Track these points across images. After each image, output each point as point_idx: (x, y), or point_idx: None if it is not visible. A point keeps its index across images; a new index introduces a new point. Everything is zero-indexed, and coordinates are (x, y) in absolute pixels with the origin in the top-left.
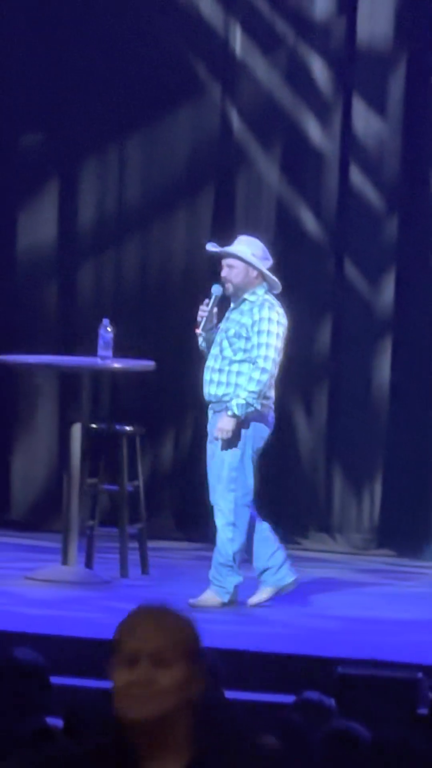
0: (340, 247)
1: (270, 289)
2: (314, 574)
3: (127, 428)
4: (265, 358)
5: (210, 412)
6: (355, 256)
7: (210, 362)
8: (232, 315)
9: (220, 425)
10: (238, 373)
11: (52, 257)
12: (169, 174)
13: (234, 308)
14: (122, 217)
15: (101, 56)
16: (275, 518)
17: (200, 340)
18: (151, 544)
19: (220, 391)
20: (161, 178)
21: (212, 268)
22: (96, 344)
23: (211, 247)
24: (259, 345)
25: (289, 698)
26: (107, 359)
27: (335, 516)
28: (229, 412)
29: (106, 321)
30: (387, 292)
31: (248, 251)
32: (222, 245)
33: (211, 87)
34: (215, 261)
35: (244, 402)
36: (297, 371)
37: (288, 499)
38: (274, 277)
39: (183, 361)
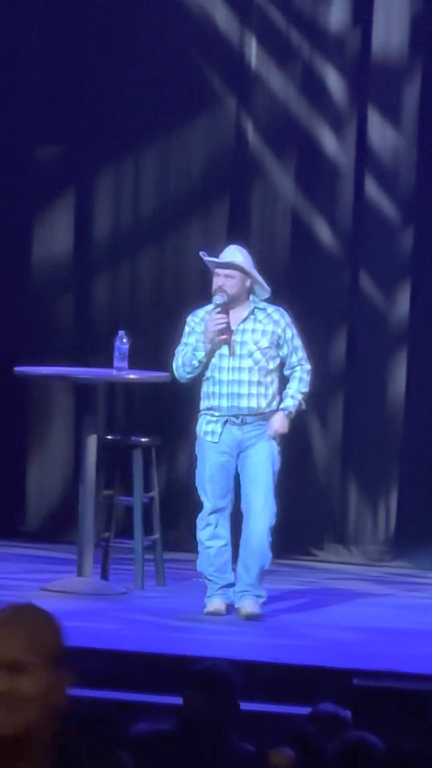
0: (355, 259)
1: (259, 297)
2: (329, 586)
3: (142, 439)
4: (307, 359)
5: (231, 425)
6: (370, 267)
7: (243, 375)
8: (245, 326)
9: (278, 428)
10: (272, 382)
11: (68, 268)
12: (184, 185)
13: (244, 319)
14: (137, 228)
15: (116, 67)
16: (290, 529)
17: (201, 355)
18: (166, 555)
19: (263, 403)
20: (176, 190)
21: None
22: (111, 355)
23: (206, 256)
24: (295, 348)
25: (304, 710)
26: (123, 370)
27: (350, 527)
28: (287, 412)
29: (121, 332)
30: (402, 304)
31: (246, 261)
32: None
33: (226, 98)
34: None
35: (298, 403)
36: (312, 382)
37: (303, 510)
38: (265, 284)
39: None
